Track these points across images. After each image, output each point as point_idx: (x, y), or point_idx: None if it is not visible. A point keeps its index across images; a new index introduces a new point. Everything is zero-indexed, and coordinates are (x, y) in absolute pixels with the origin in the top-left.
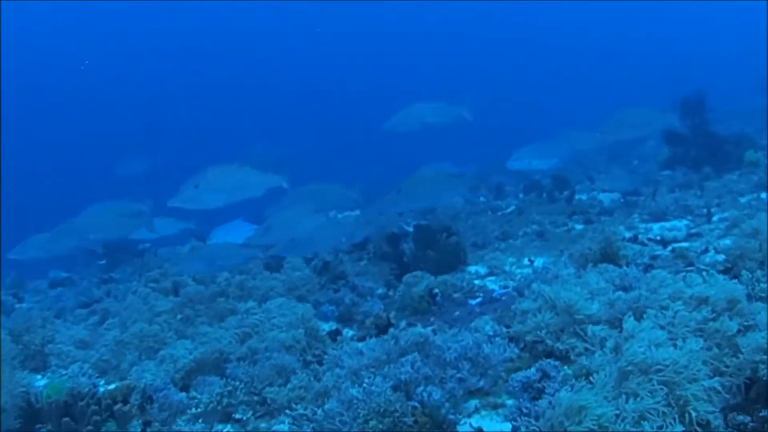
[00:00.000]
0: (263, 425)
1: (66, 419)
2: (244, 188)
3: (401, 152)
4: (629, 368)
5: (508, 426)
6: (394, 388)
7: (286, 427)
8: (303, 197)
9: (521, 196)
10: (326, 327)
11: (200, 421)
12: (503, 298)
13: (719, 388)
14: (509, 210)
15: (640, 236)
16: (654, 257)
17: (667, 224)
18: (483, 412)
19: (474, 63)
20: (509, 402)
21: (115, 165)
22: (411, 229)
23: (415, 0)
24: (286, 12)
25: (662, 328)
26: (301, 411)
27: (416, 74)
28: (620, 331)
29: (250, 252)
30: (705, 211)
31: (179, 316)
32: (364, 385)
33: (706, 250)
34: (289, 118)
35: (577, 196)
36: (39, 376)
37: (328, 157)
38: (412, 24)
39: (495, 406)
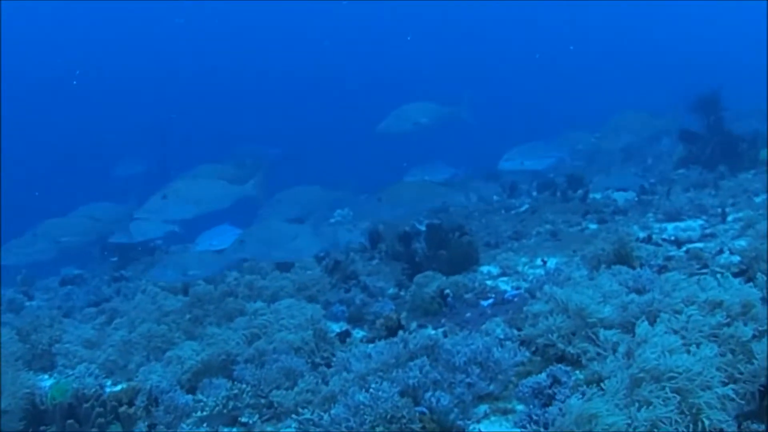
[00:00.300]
0: (269, 429)
1: (70, 421)
2: (213, 199)
3: (399, 151)
4: (641, 375)
5: None
6: (402, 394)
7: (292, 431)
8: (288, 201)
9: (535, 194)
10: (336, 327)
11: (205, 424)
12: (515, 299)
13: (733, 396)
14: (523, 209)
15: (654, 236)
16: (668, 258)
17: (682, 224)
18: (492, 418)
19: (476, 63)
20: (519, 407)
21: (112, 166)
22: (423, 228)
23: (414, 0)
24: (285, 12)
25: (676, 332)
26: (307, 415)
27: (415, 74)
28: (633, 336)
29: (225, 261)
30: (720, 210)
31: (188, 316)
32: (371, 390)
33: (721, 251)
34: (287, 117)
35: (591, 195)
36: (46, 376)
37: (325, 157)
38: (411, 24)
39: (505, 412)
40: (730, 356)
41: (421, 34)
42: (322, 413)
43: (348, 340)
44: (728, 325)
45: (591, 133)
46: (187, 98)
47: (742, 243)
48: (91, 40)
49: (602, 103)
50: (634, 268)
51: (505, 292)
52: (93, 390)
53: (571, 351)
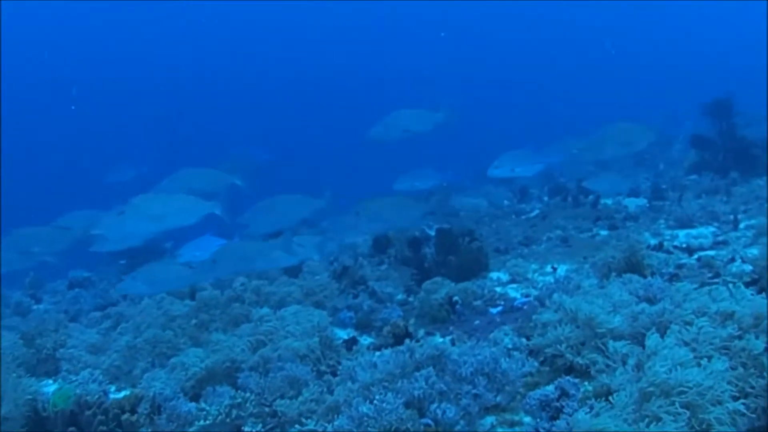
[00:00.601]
0: None
1: (72, 429)
2: (174, 216)
3: (400, 152)
4: (651, 389)
5: None
6: (407, 405)
7: None
8: (269, 210)
9: (546, 199)
10: (344, 334)
11: None
12: (524, 307)
13: (744, 411)
14: (533, 214)
15: (665, 243)
16: (679, 266)
17: (693, 231)
18: (499, 430)
19: (480, 65)
20: (526, 419)
21: (104, 172)
22: (433, 233)
23: (408, 0)
24: (281, 13)
25: (686, 344)
26: (311, 426)
27: (416, 74)
28: (643, 347)
29: (193, 274)
30: (732, 217)
31: (194, 321)
32: (375, 401)
33: (733, 260)
34: (287, 119)
35: (602, 201)
36: (50, 381)
37: (324, 160)
38: (410, 25)
39: (512, 424)
40: (741, 370)
41: (422, 35)
42: (325, 424)
43: (354, 347)
44: (739, 337)
45: (585, 138)
46: (188, 99)
47: (754, 252)
48: (91, 40)
49: (606, 106)
50: (645, 276)
51: (515, 299)
52: (96, 397)
53: (580, 362)
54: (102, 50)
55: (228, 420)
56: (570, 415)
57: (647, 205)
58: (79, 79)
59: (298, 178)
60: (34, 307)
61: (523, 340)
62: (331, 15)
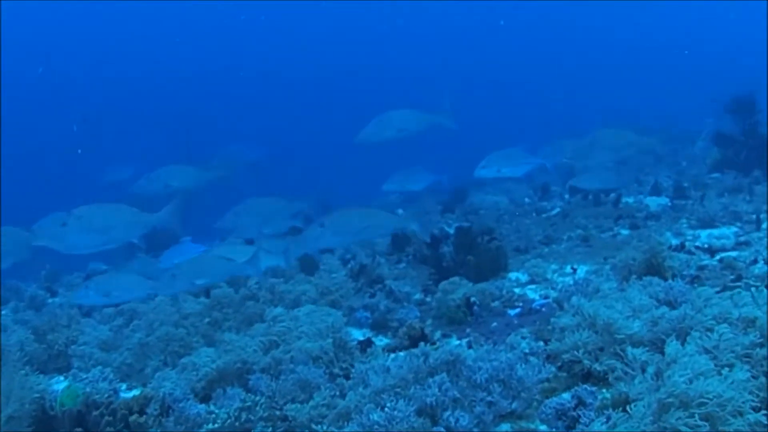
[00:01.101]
0: None
1: (79, 429)
2: (120, 229)
3: (401, 152)
4: (670, 400)
5: None
6: (419, 413)
7: None
8: (247, 213)
9: (567, 197)
10: (359, 334)
11: None
12: (543, 309)
13: (765, 422)
14: (554, 212)
15: (687, 244)
16: (701, 268)
17: (715, 231)
18: None
19: (487, 66)
20: (542, 428)
21: (100, 172)
22: (452, 231)
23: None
24: (280, 13)
25: (707, 351)
26: None
27: (412, 76)
28: (662, 354)
29: (150, 286)
30: (754, 217)
31: (207, 320)
32: (387, 409)
33: (755, 261)
34: (280, 120)
35: (624, 199)
36: (61, 378)
37: (315, 162)
38: (410, 25)
39: None
40: (763, 379)
41: (422, 35)
42: (336, 430)
43: (369, 349)
44: (761, 345)
45: (578, 140)
46: (186, 98)
47: None
48: (91, 40)
49: (606, 107)
50: (666, 278)
51: (533, 300)
52: (106, 395)
53: (598, 368)
54: (102, 50)
55: (237, 423)
56: (586, 426)
57: (669, 204)
58: (79, 79)
59: (298, 178)
60: (49, 300)
61: (541, 344)
62: (330, 14)
